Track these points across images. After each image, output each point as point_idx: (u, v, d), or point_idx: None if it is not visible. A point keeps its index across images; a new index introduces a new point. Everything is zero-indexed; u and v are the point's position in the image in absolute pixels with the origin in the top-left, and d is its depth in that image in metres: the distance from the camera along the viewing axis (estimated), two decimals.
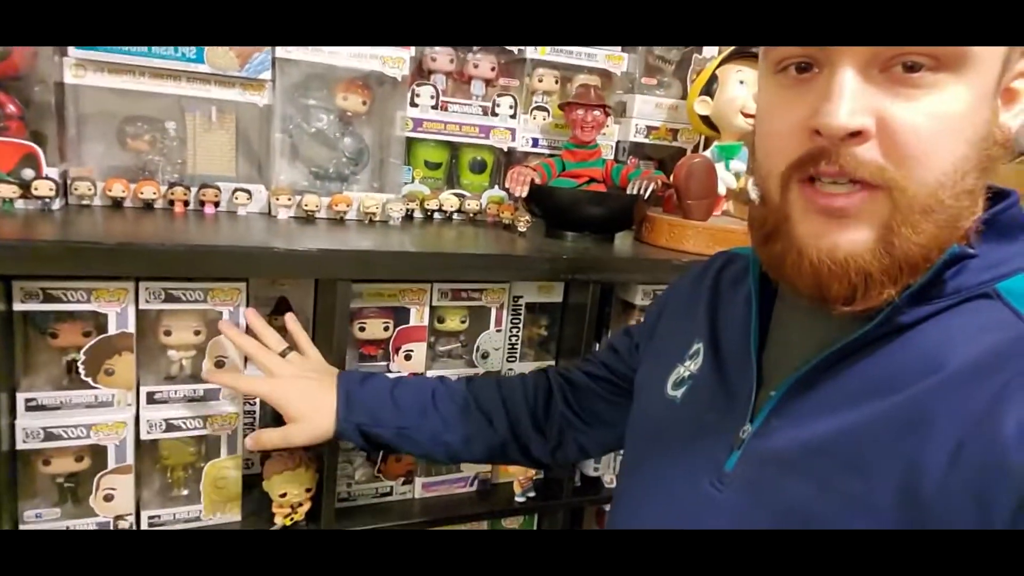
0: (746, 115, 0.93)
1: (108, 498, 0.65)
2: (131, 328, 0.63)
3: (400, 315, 0.76)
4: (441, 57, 0.92)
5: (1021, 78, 0.35)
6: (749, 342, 0.43)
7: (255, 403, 0.77)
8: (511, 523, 0.91)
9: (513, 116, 0.94)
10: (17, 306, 0.59)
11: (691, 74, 1.05)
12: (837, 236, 0.35)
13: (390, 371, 0.76)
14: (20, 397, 0.60)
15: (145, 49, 0.71)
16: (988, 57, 0.33)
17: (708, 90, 0.96)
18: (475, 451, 0.65)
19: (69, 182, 0.72)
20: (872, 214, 0.34)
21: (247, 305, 0.68)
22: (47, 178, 0.67)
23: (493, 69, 0.94)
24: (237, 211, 0.79)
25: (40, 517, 0.63)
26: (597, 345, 0.86)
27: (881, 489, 0.33)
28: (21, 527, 0.63)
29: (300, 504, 0.71)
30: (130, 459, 0.65)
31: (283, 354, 0.65)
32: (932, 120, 0.32)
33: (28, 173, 0.67)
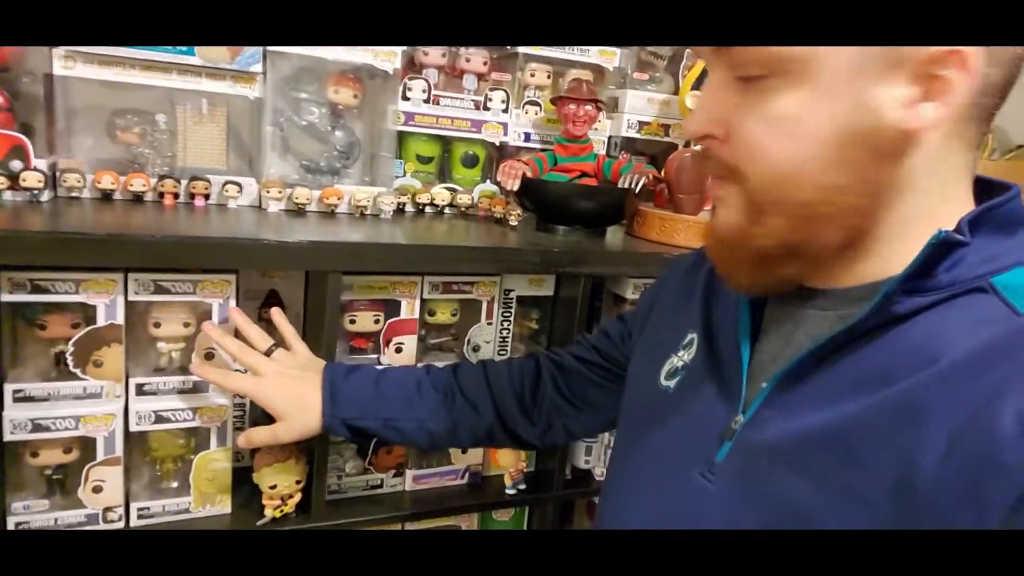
0: None
1: (97, 490, 0.65)
2: (120, 320, 0.63)
3: (391, 308, 0.76)
4: (433, 52, 0.92)
5: (936, 65, 0.33)
6: (741, 333, 0.43)
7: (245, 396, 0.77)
8: (502, 515, 0.92)
9: (505, 111, 0.94)
10: (5, 296, 0.58)
11: (683, 69, 1.05)
12: (715, 220, 0.41)
13: (380, 364, 0.76)
14: (8, 388, 0.60)
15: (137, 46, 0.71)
16: (824, 60, 0.34)
17: (700, 86, 0.97)
18: (462, 438, 0.66)
19: (58, 174, 0.72)
20: (733, 202, 0.39)
21: (237, 297, 0.68)
22: (36, 170, 0.67)
23: (485, 64, 0.94)
24: (227, 204, 0.79)
25: (28, 509, 0.63)
26: None
27: (874, 481, 0.33)
28: (9, 519, 0.62)
29: (290, 496, 0.71)
30: (119, 451, 0.64)
31: (269, 351, 0.66)
32: (763, 123, 0.36)
33: (16, 165, 0.66)
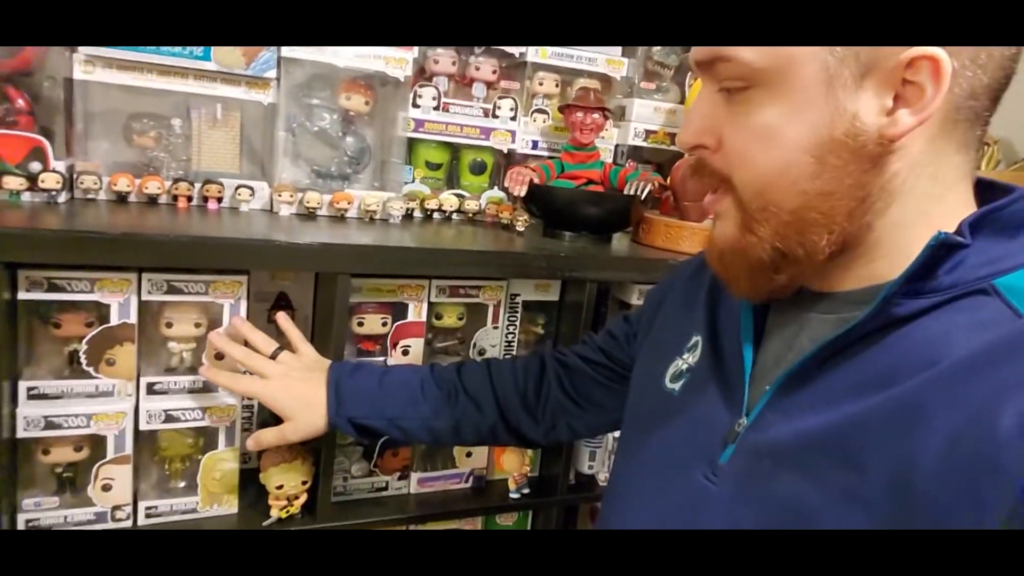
0: None
1: (106, 488, 0.65)
2: (133, 319, 0.64)
3: (398, 311, 0.77)
4: (443, 59, 0.93)
5: (909, 71, 0.33)
6: (744, 336, 0.44)
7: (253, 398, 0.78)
8: (505, 519, 0.92)
9: (513, 118, 0.95)
10: (22, 295, 0.59)
11: (689, 79, 1.06)
12: (714, 233, 0.42)
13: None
14: (22, 385, 0.61)
15: (153, 46, 0.73)
16: (799, 70, 0.34)
17: None
18: (466, 436, 0.66)
19: (75, 176, 0.73)
20: (729, 215, 0.40)
21: (248, 298, 0.69)
22: (54, 171, 0.68)
23: (494, 72, 0.96)
24: (239, 207, 0.81)
25: (39, 506, 0.64)
26: None
27: (874, 482, 0.33)
28: (19, 515, 0.63)
29: (296, 496, 0.71)
30: (129, 449, 0.65)
31: (275, 354, 0.66)
32: (747, 133, 0.37)
33: (35, 166, 0.68)
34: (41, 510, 0.64)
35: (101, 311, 0.63)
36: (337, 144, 0.86)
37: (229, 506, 0.72)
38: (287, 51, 0.79)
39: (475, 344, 0.83)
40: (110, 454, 0.65)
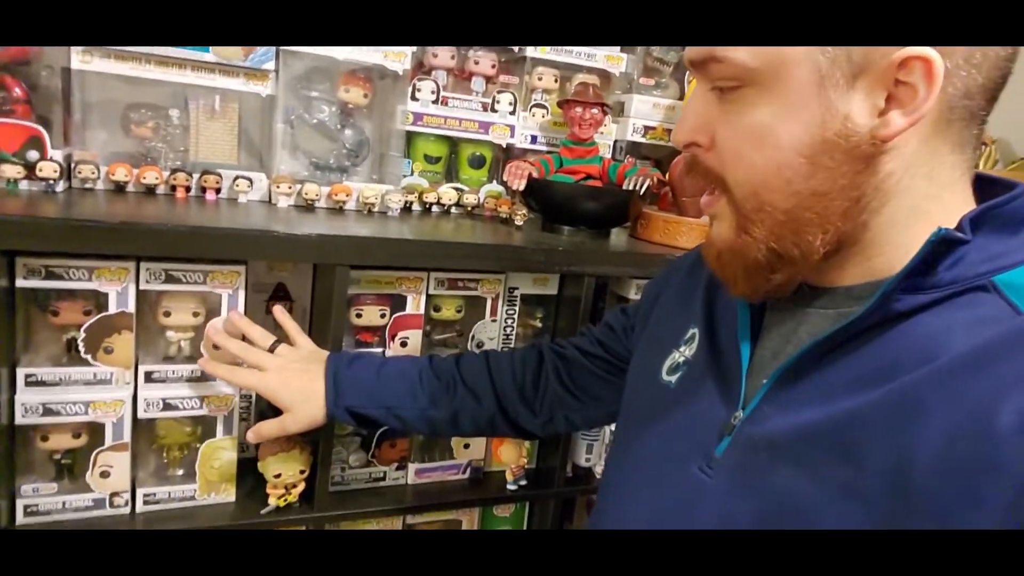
0: None
1: (104, 475, 0.65)
2: (131, 308, 0.64)
3: (396, 302, 0.77)
4: (442, 53, 0.93)
5: (901, 72, 0.33)
6: (741, 330, 0.44)
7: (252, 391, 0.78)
8: (502, 511, 0.92)
9: (512, 113, 0.95)
10: (20, 282, 0.60)
11: (688, 75, 1.07)
12: (711, 234, 0.43)
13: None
14: (20, 372, 0.61)
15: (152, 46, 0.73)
16: (792, 70, 0.35)
17: None
18: (463, 427, 0.67)
19: (73, 165, 0.73)
20: (725, 216, 0.40)
21: (246, 289, 0.69)
22: (52, 160, 0.68)
23: (493, 66, 0.96)
24: (238, 198, 0.81)
25: (37, 492, 0.64)
26: None
27: (872, 477, 0.33)
28: (18, 501, 0.63)
29: (294, 485, 0.72)
30: (127, 437, 0.65)
31: (273, 347, 0.67)
32: (740, 132, 0.37)
33: (33, 155, 0.68)
34: (40, 496, 0.64)
35: (99, 299, 0.64)
36: (336, 137, 0.86)
37: (227, 494, 0.72)
38: None
39: (473, 337, 0.83)
40: (108, 441, 0.65)
